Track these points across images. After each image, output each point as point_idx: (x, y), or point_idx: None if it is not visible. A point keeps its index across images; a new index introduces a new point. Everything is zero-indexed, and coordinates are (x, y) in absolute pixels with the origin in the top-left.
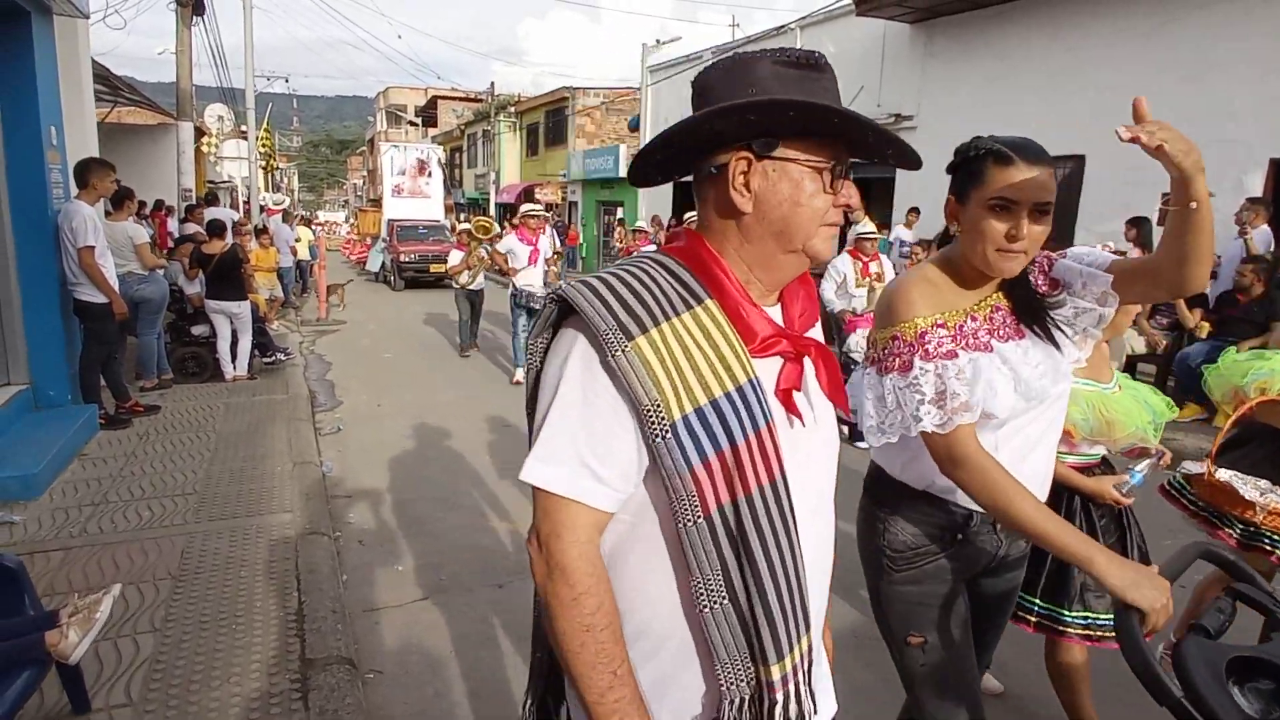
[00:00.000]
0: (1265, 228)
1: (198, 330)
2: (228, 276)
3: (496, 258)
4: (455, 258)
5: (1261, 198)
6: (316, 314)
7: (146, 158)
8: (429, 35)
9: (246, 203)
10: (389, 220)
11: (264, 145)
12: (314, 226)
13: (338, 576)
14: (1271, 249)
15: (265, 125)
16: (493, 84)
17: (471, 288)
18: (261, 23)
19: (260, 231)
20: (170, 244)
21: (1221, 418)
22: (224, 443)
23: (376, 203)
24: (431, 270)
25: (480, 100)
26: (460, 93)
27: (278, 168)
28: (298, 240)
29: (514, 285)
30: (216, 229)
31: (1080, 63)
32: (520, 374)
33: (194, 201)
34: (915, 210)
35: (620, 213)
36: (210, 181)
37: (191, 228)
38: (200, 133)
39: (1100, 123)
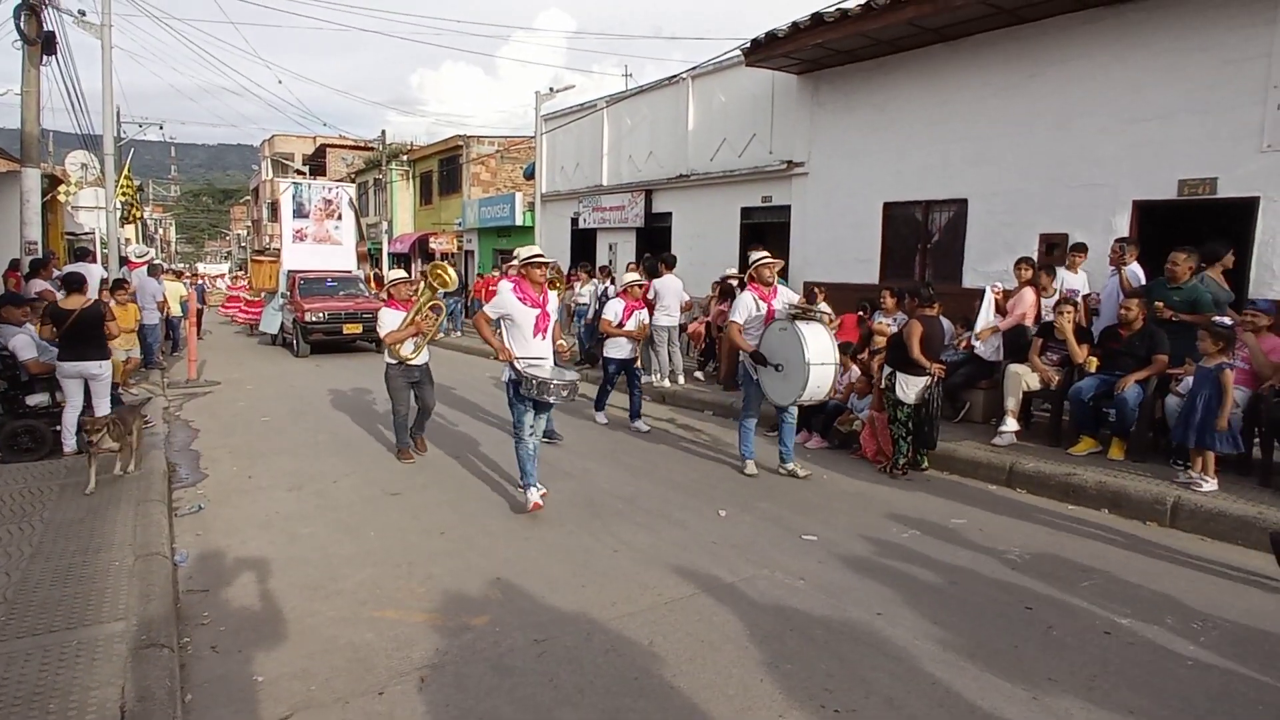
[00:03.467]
0: (1136, 265)
1: (34, 400)
2: (88, 335)
3: (483, 329)
4: (391, 319)
5: (1129, 236)
6: (186, 375)
7: None
8: (316, 83)
9: (106, 255)
10: (289, 272)
11: (125, 193)
12: (186, 280)
13: (177, 700)
14: (1142, 284)
15: (126, 172)
16: (384, 132)
17: (415, 362)
18: (130, 67)
19: (117, 285)
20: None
21: (1116, 450)
22: (52, 534)
23: (263, 251)
24: (345, 331)
25: (371, 149)
26: (350, 140)
27: (140, 218)
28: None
29: (512, 368)
30: (74, 283)
31: (955, 113)
32: (536, 496)
33: (39, 256)
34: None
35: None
36: (70, 234)
37: (39, 285)
38: (56, 181)
39: (979, 169)
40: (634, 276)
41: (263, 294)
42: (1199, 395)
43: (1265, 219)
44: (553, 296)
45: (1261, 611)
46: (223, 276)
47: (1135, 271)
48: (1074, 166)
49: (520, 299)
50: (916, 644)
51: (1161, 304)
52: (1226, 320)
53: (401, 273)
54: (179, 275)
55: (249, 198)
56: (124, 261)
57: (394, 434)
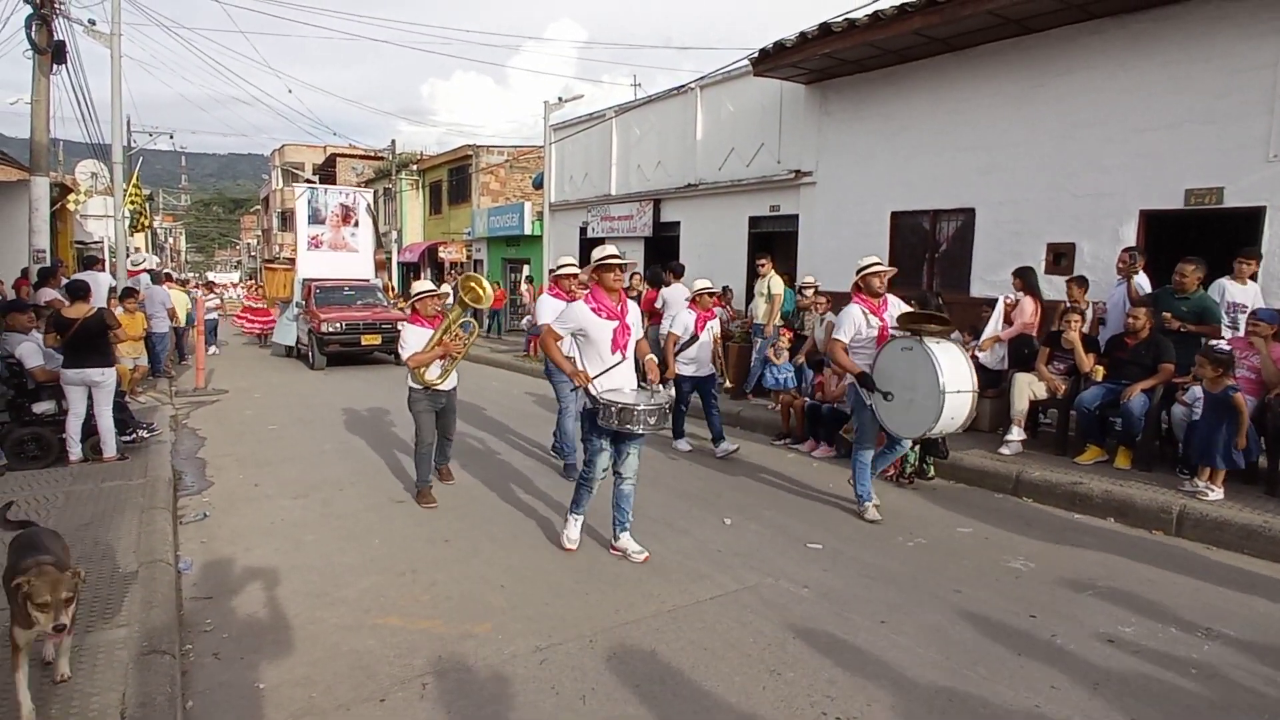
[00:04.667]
0: (1143, 274)
1: (41, 408)
2: (91, 343)
3: (551, 350)
4: (415, 338)
5: (1136, 246)
6: (194, 384)
7: (2, 218)
8: (326, 93)
9: (113, 262)
10: (304, 280)
11: (133, 202)
12: (191, 290)
13: (178, 707)
14: (1148, 293)
15: (135, 181)
16: (394, 141)
17: (442, 387)
18: (140, 76)
19: (128, 294)
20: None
21: (1122, 458)
22: None
23: (275, 259)
24: (363, 342)
25: (381, 158)
26: (360, 150)
27: (149, 226)
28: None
29: (589, 393)
30: (78, 291)
31: (963, 122)
32: (577, 532)
33: (48, 265)
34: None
35: (526, 270)
36: (79, 242)
37: (48, 293)
38: (66, 190)
39: (987, 178)
40: (704, 283)
41: (277, 303)
42: (1216, 421)
43: (1272, 228)
44: (633, 306)
45: (1266, 620)
46: (235, 285)
47: (1141, 281)
48: (1081, 176)
49: (594, 310)
50: (920, 651)
51: (1169, 314)
52: (1224, 345)
53: (428, 285)
54: (185, 284)
55: (259, 207)
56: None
57: (414, 465)
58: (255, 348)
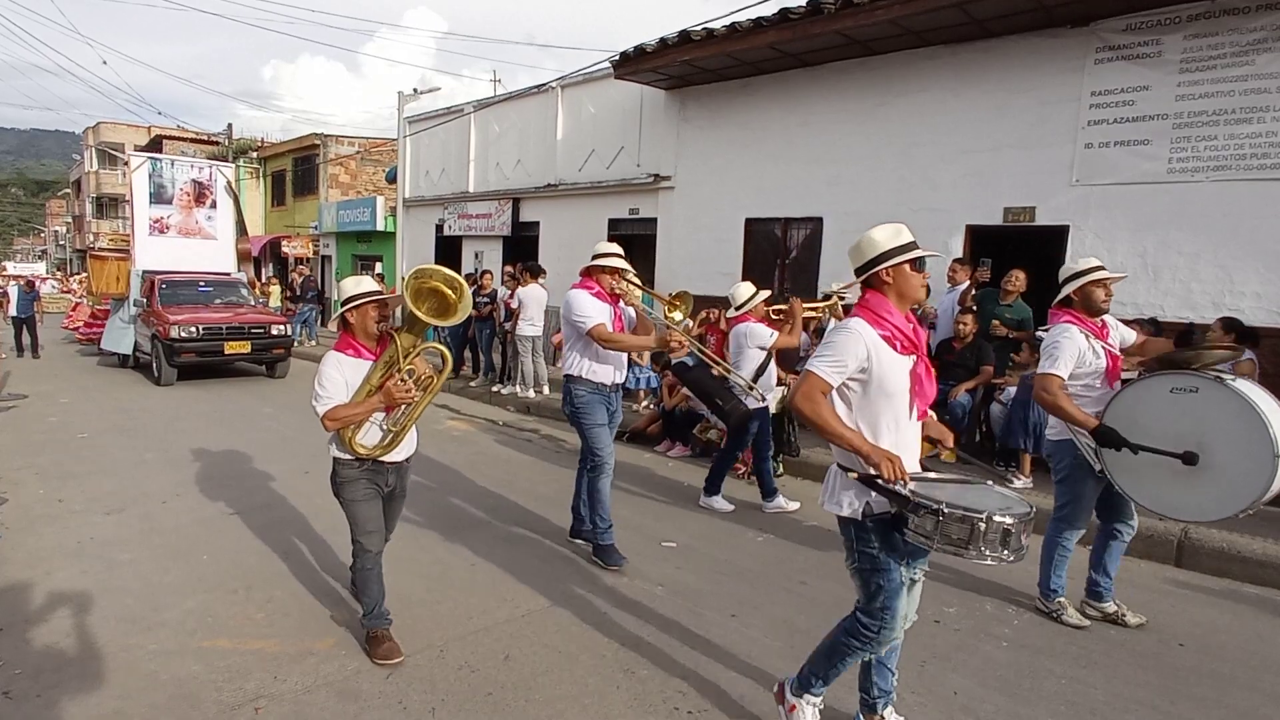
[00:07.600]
0: (967, 283)
1: None
2: None
3: (828, 418)
4: (340, 375)
5: (963, 257)
6: None
7: None
8: (152, 68)
9: None
10: (144, 273)
11: None
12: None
13: None
14: (974, 294)
15: None
16: (230, 126)
17: (392, 458)
18: None
19: None
20: None
21: (948, 453)
22: None
23: (98, 249)
24: (227, 351)
25: (216, 143)
26: (191, 132)
27: None
28: None
29: (880, 490)
30: None
31: (813, 135)
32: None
33: None
34: None
35: (379, 267)
36: None
37: None
38: None
39: (834, 189)
40: (746, 290)
41: (105, 300)
42: (1024, 402)
43: (1073, 245)
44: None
45: None
46: (41, 279)
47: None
48: (916, 191)
49: (886, 338)
50: (767, 642)
51: (998, 321)
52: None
53: (369, 283)
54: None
55: (69, 190)
56: None
57: (353, 586)
58: (81, 357)
